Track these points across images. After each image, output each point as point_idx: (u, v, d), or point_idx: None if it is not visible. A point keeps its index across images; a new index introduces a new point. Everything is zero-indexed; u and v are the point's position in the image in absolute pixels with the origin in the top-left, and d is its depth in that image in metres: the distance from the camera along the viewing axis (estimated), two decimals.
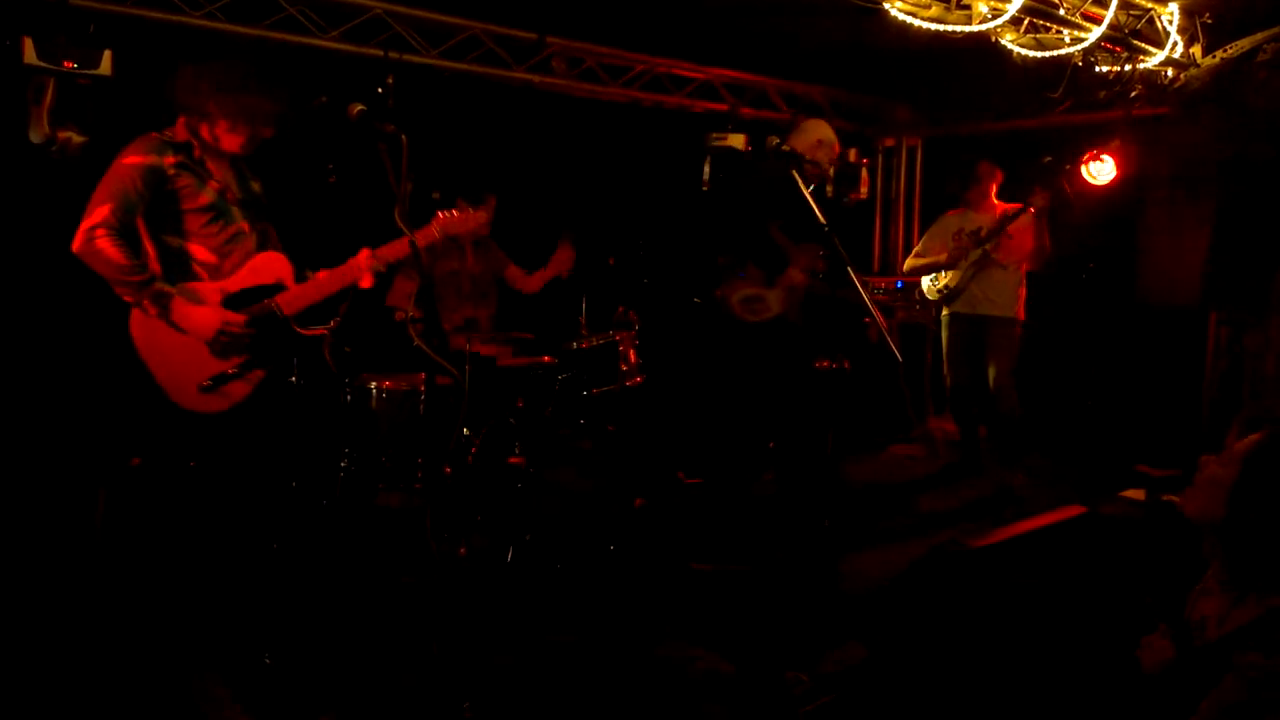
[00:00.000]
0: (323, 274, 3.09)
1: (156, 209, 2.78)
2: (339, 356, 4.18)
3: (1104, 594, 2.57)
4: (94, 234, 2.67)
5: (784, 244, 4.09)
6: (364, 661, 3.02)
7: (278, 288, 3.02)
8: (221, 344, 2.87)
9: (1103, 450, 5.19)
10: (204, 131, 2.88)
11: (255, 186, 3.11)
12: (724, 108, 5.92)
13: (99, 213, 2.68)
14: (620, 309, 4.65)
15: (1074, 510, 4.00)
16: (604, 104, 5.55)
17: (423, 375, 4.09)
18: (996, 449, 5.31)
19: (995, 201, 5.26)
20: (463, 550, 3.87)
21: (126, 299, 2.77)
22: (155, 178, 2.76)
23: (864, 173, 6.46)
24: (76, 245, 2.69)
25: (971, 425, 5.47)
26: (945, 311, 5.33)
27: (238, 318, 2.89)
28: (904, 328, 6.35)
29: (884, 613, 2.92)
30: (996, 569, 3.03)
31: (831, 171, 4.43)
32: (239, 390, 2.95)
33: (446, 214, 3.30)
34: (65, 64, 3.31)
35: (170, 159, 2.79)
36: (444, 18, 4.79)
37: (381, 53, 4.57)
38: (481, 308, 4.62)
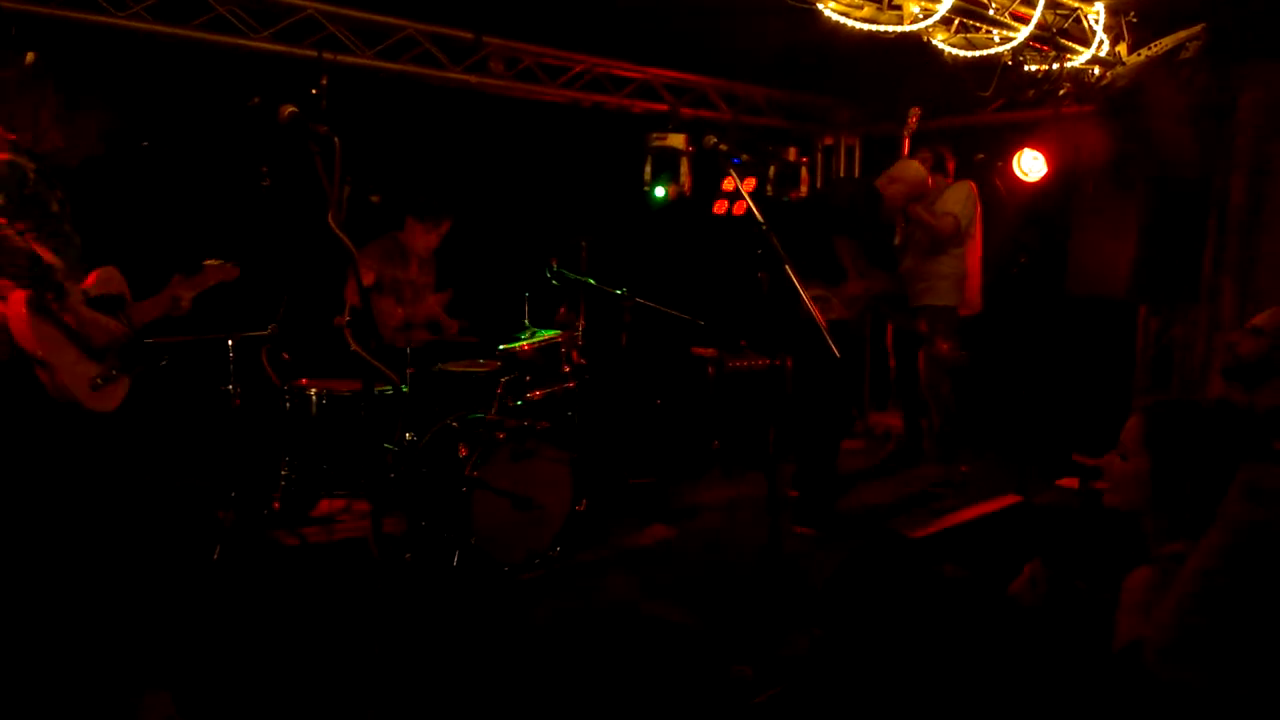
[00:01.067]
0: (146, 302, 3.14)
1: (19, 209, 2.69)
2: (277, 363, 4.12)
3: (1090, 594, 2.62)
4: None
5: (847, 259, 4.54)
6: (311, 673, 2.97)
7: (123, 300, 3.01)
8: (103, 347, 2.85)
9: (1040, 440, 5.32)
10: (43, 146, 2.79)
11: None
12: (664, 108, 5.94)
13: None
14: (562, 309, 4.65)
15: (1010, 499, 4.11)
16: (543, 104, 5.53)
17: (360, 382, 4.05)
18: (936, 441, 5.42)
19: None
20: (408, 556, 3.84)
21: (20, 288, 2.63)
22: (18, 180, 2.68)
23: (803, 171, 6.55)
24: None
25: (914, 417, 5.58)
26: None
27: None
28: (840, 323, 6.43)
29: (825, 602, 2.96)
30: (934, 557, 3.09)
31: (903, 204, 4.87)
32: (118, 393, 2.94)
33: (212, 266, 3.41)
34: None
35: (27, 165, 2.71)
36: (379, 17, 4.72)
37: (315, 53, 4.50)
38: (417, 314, 4.58)
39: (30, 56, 2.76)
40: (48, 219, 2.73)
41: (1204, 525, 1.83)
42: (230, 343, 3.91)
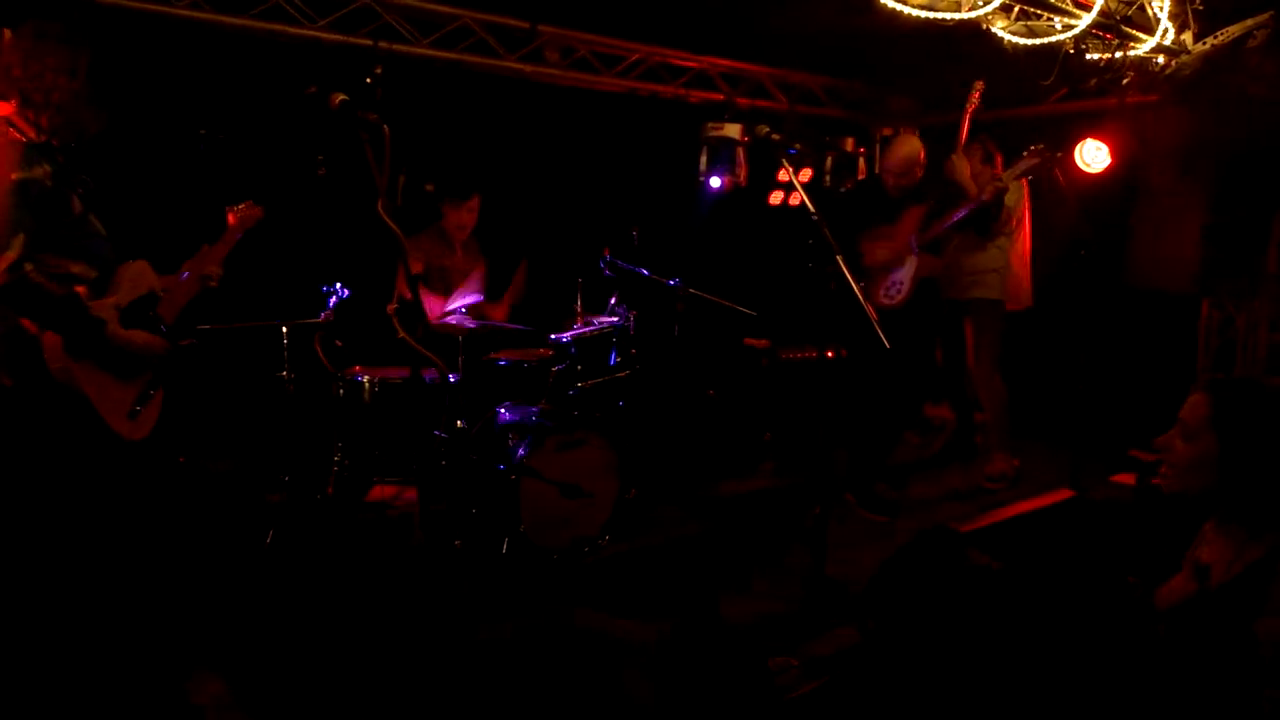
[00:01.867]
0: (175, 280, 2.92)
1: (40, 228, 2.43)
2: (330, 351, 4.19)
3: (1090, 576, 2.58)
4: (22, 268, 2.36)
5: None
6: (360, 658, 3.02)
7: (155, 298, 2.81)
8: (138, 367, 2.69)
9: (1096, 435, 5.20)
10: (47, 122, 2.48)
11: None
12: (720, 97, 5.90)
13: (17, 242, 2.35)
14: (615, 299, 4.65)
15: (1063, 494, 4.01)
16: (598, 94, 5.52)
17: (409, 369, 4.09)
18: (989, 434, 5.31)
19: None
20: (458, 543, 3.89)
21: (55, 333, 2.46)
22: (38, 195, 2.41)
23: (861, 161, 6.45)
24: (1, 282, 2.36)
25: (966, 410, 5.47)
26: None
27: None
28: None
29: (873, 596, 2.92)
30: (985, 552, 3.03)
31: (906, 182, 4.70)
32: (153, 415, 2.79)
33: (237, 211, 3.16)
34: (7, 34, 3.03)
35: (43, 170, 2.43)
36: (434, 6, 4.76)
37: (371, 42, 4.55)
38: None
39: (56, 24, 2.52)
40: (71, 226, 2.52)
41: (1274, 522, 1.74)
42: (285, 330, 3.99)
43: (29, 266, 2.36)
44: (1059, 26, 4.52)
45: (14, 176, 2.36)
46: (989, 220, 4.79)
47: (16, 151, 2.39)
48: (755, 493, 4.88)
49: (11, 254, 2.34)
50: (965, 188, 4.70)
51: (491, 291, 4.63)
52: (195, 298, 3.03)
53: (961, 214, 4.65)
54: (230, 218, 3.12)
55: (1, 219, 2.34)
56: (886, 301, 4.67)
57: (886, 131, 7.13)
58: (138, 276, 2.75)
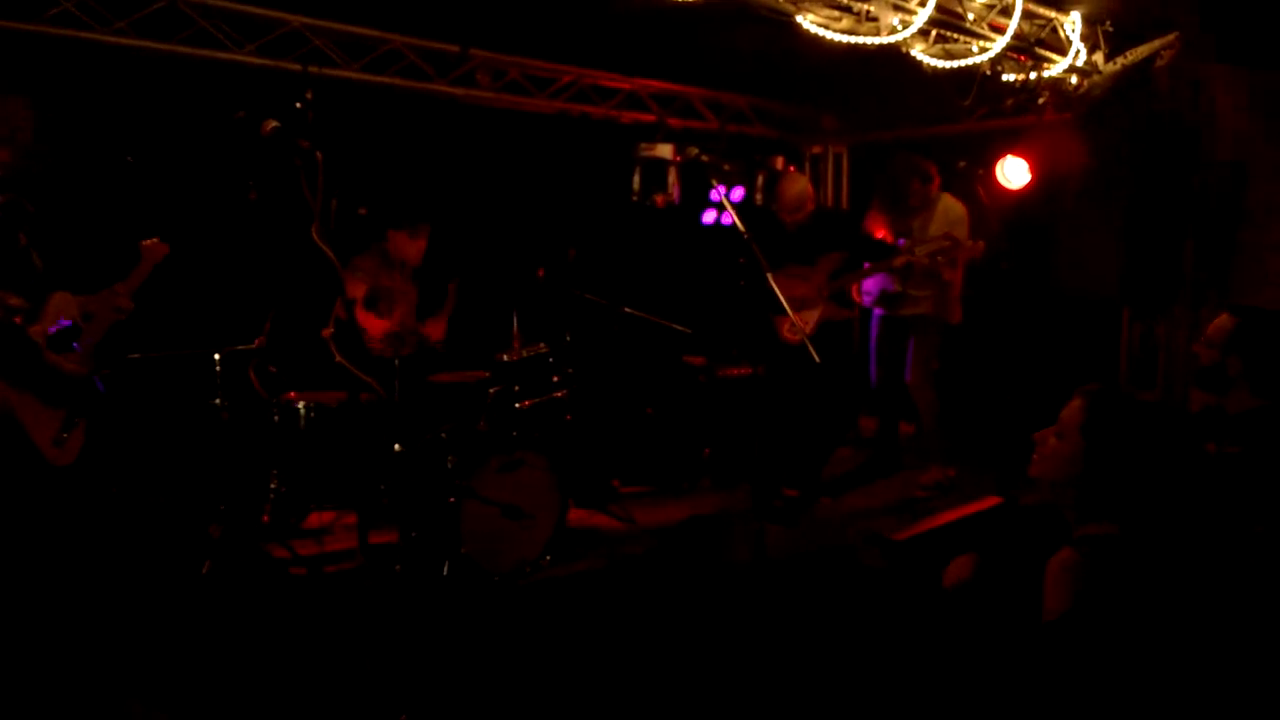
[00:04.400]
0: (92, 306, 2.95)
1: None
2: (264, 377, 4.14)
3: (1018, 578, 2.68)
4: None
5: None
6: (300, 684, 2.98)
7: (78, 329, 2.87)
8: (62, 393, 2.71)
9: (1024, 442, 5.38)
10: (9, 154, 2.66)
11: None
12: (652, 118, 5.99)
13: None
14: (550, 319, 4.68)
15: (992, 501, 4.15)
16: (531, 115, 5.56)
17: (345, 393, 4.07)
18: (924, 444, 5.46)
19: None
20: (398, 566, 3.85)
21: None
22: None
23: None
24: None
25: (893, 421, 5.61)
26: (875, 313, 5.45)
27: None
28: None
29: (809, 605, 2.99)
30: (918, 558, 3.13)
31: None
32: (77, 443, 2.82)
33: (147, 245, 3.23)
34: None
35: None
36: (364, 31, 4.76)
37: (300, 67, 4.52)
38: (409, 322, 4.59)
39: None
40: (13, 260, 2.60)
41: (1124, 511, 1.95)
42: (217, 357, 3.92)
43: None
44: (975, 50, 4.71)
45: None
46: (904, 279, 5.12)
47: None
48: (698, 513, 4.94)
49: None
50: (881, 246, 5.13)
51: (426, 309, 4.63)
52: (119, 326, 3.05)
53: (872, 273, 5.07)
54: (142, 252, 3.11)
55: None
56: (790, 336, 4.82)
57: (816, 150, 7.32)
58: (62, 306, 2.78)
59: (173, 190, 4.36)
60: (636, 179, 5.72)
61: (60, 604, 2.79)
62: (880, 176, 5.61)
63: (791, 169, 6.36)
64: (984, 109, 5.76)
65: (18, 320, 2.57)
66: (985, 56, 4.71)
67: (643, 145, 5.77)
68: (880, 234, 5.23)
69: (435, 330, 4.62)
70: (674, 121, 6.08)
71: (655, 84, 5.98)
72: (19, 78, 2.67)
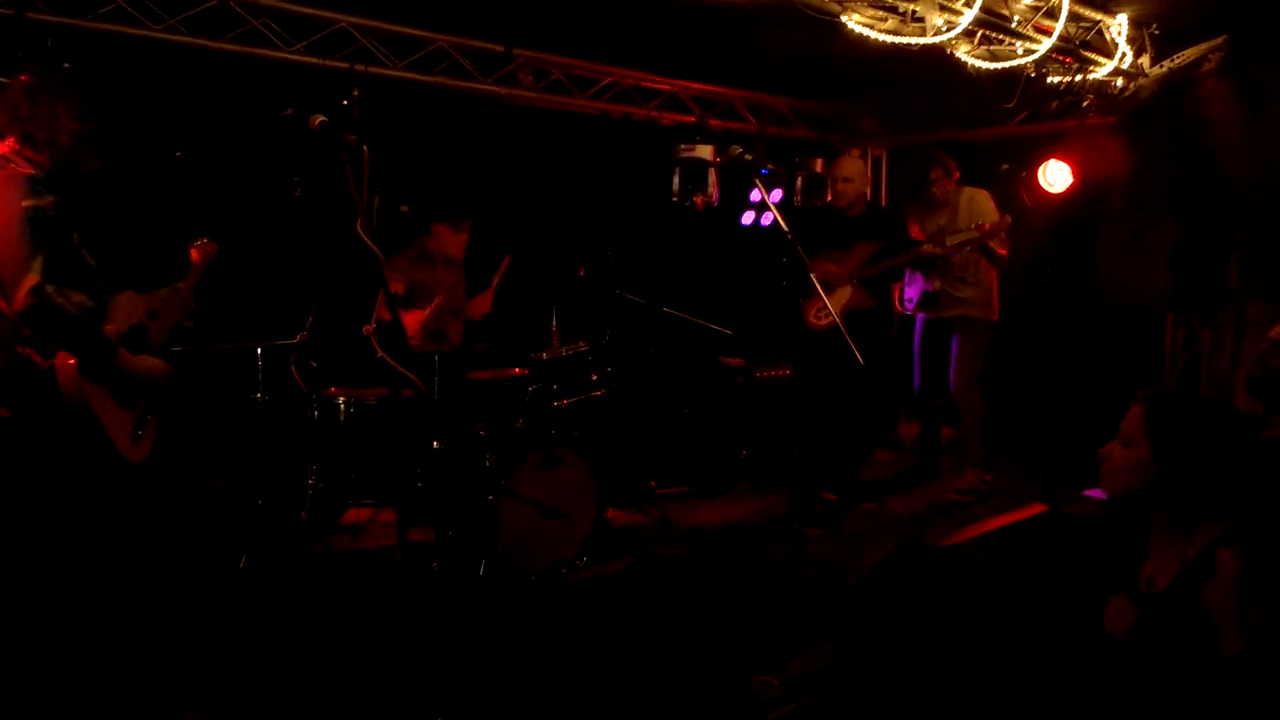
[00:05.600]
0: (156, 305, 2.97)
1: (50, 255, 2.48)
2: (305, 371, 4.18)
3: (1065, 589, 2.64)
4: (44, 290, 2.42)
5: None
6: (337, 681, 3.00)
7: (144, 327, 2.88)
8: (135, 390, 2.72)
9: (1066, 450, 5.29)
10: (47, 160, 2.59)
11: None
12: (692, 119, 5.98)
13: (36, 265, 2.41)
14: (590, 318, 4.69)
15: (1036, 509, 4.08)
16: (572, 115, 5.57)
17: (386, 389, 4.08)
18: (961, 449, 5.40)
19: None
20: (435, 564, 3.87)
21: (73, 355, 2.51)
22: (45, 223, 2.48)
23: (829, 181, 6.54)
24: (23, 304, 2.41)
25: (933, 425, 5.55)
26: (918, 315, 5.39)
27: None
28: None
29: (851, 612, 2.95)
30: (961, 566, 3.08)
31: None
32: (149, 439, 2.83)
33: (199, 246, 3.25)
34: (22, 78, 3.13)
35: (49, 200, 2.51)
36: (411, 30, 4.79)
37: (348, 65, 4.57)
38: (450, 320, 4.62)
39: (65, 67, 2.66)
40: (70, 256, 2.58)
41: (1231, 504, 1.91)
42: (259, 351, 3.97)
43: (49, 288, 2.42)
44: (1020, 51, 4.65)
45: (24, 204, 2.45)
46: (932, 269, 5.11)
47: (22, 183, 2.47)
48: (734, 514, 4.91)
49: (32, 277, 2.40)
50: (913, 238, 5.10)
51: (472, 289, 4.68)
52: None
53: (904, 262, 5.03)
54: (193, 253, 3.20)
55: (17, 245, 2.42)
56: (816, 322, 4.80)
57: (855, 152, 7.27)
58: (129, 306, 2.80)
59: (220, 186, 4.42)
60: (676, 180, 5.70)
61: (123, 599, 2.81)
62: (902, 175, 5.59)
63: (851, 152, 6.29)
64: (1026, 112, 5.70)
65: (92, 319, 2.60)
66: (1030, 58, 4.65)
67: (682, 146, 5.76)
68: (915, 235, 5.21)
69: (481, 305, 4.66)
70: (714, 123, 6.08)
71: (696, 86, 5.98)
72: (67, 74, 2.67)
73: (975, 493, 5.08)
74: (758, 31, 4.77)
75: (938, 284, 5.17)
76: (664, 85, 5.83)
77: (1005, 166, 5.51)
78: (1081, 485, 4.32)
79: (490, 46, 5.05)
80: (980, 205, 5.21)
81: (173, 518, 3.92)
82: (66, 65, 2.67)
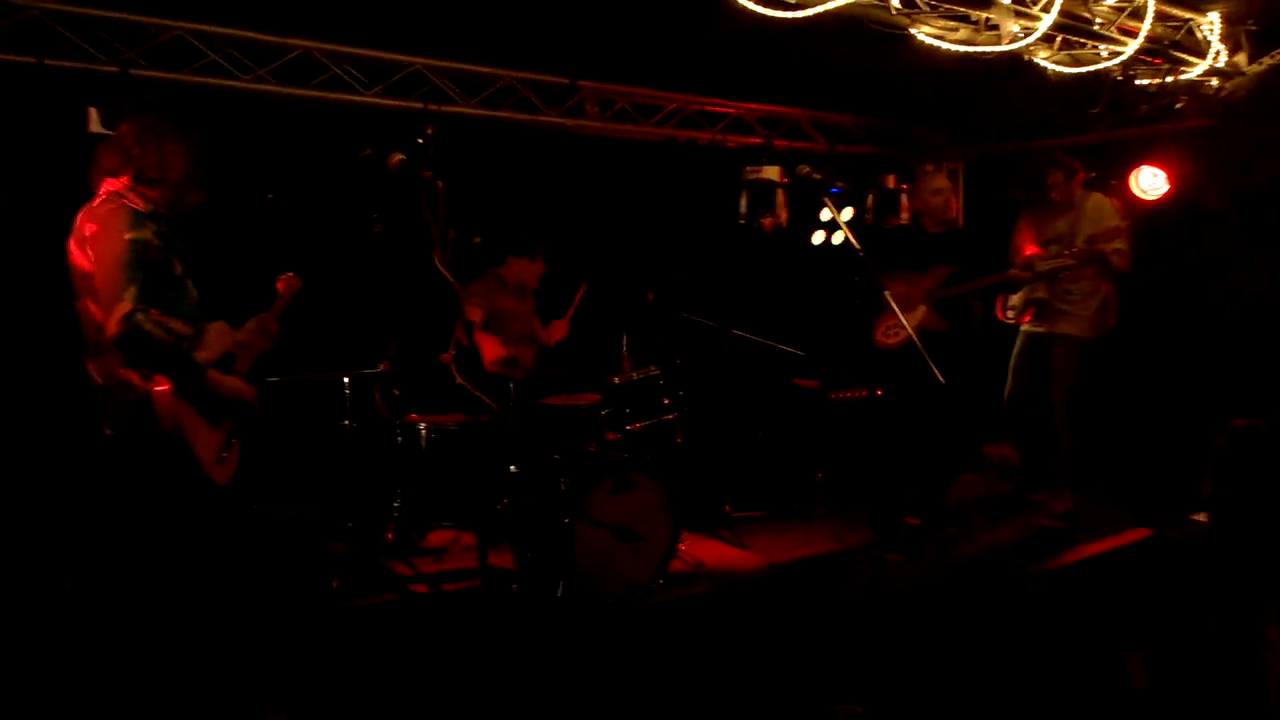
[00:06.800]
0: (244, 336, 3.08)
1: (148, 285, 2.63)
2: (388, 399, 4.31)
3: (1169, 617, 2.50)
4: (134, 318, 2.53)
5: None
6: (421, 697, 3.05)
7: (232, 355, 2.99)
8: (223, 413, 2.83)
9: (1165, 471, 5.01)
10: (159, 195, 2.76)
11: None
12: (758, 141, 5.97)
13: (130, 294, 2.54)
14: (660, 343, 4.70)
15: (1138, 533, 3.89)
16: (638, 143, 5.64)
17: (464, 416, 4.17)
18: (1058, 471, 5.15)
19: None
20: (514, 586, 3.91)
21: (167, 379, 2.64)
22: (146, 253, 2.63)
23: (903, 198, 6.43)
24: (115, 330, 2.53)
25: (1023, 444, 5.32)
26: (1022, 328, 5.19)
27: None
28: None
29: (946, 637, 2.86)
30: (1059, 592, 2.96)
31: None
32: (234, 461, 2.94)
33: (284, 279, 3.33)
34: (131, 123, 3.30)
35: (150, 231, 2.67)
36: (479, 68, 4.95)
37: (421, 105, 4.74)
38: (524, 347, 4.71)
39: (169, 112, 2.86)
40: (172, 286, 2.72)
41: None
42: (346, 380, 4.11)
43: (139, 316, 2.55)
44: (1104, 54, 4.49)
45: (127, 236, 2.60)
46: (1009, 292, 4.93)
47: (127, 215, 2.64)
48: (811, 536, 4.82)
49: (125, 305, 2.54)
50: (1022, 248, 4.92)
51: (547, 314, 4.80)
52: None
53: (985, 286, 4.79)
54: (279, 286, 3.33)
55: (116, 273, 2.57)
56: (884, 340, 4.64)
57: (929, 167, 7.12)
58: (221, 335, 2.94)
59: (306, 224, 4.62)
60: (743, 201, 5.70)
61: (208, 616, 2.92)
62: (1016, 178, 5.37)
63: (930, 167, 6.17)
64: (1109, 118, 5.49)
65: (184, 346, 2.73)
66: (1115, 61, 4.50)
67: (749, 168, 5.76)
68: (1029, 249, 4.89)
69: (557, 332, 4.73)
70: (780, 143, 6.05)
71: (761, 107, 5.98)
72: (172, 118, 2.88)
73: (1069, 517, 4.84)
74: (822, 50, 4.75)
75: (1044, 293, 4.91)
76: (728, 108, 5.85)
77: (1092, 175, 5.31)
78: (1181, 507, 4.09)
79: (556, 79, 5.17)
80: (1105, 211, 4.85)
81: (258, 537, 4.07)
82: (172, 111, 2.87)
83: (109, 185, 2.72)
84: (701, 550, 4.47)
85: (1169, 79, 4.95)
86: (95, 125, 3.86)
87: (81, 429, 2.83)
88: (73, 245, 2.66)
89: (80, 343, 2.73)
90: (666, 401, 4.51)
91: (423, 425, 4.26)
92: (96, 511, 3.15)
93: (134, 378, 2.65)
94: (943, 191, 4.86)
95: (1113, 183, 5.51)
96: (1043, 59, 4.55)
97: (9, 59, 3.87)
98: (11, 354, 4.02)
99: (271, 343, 3.22)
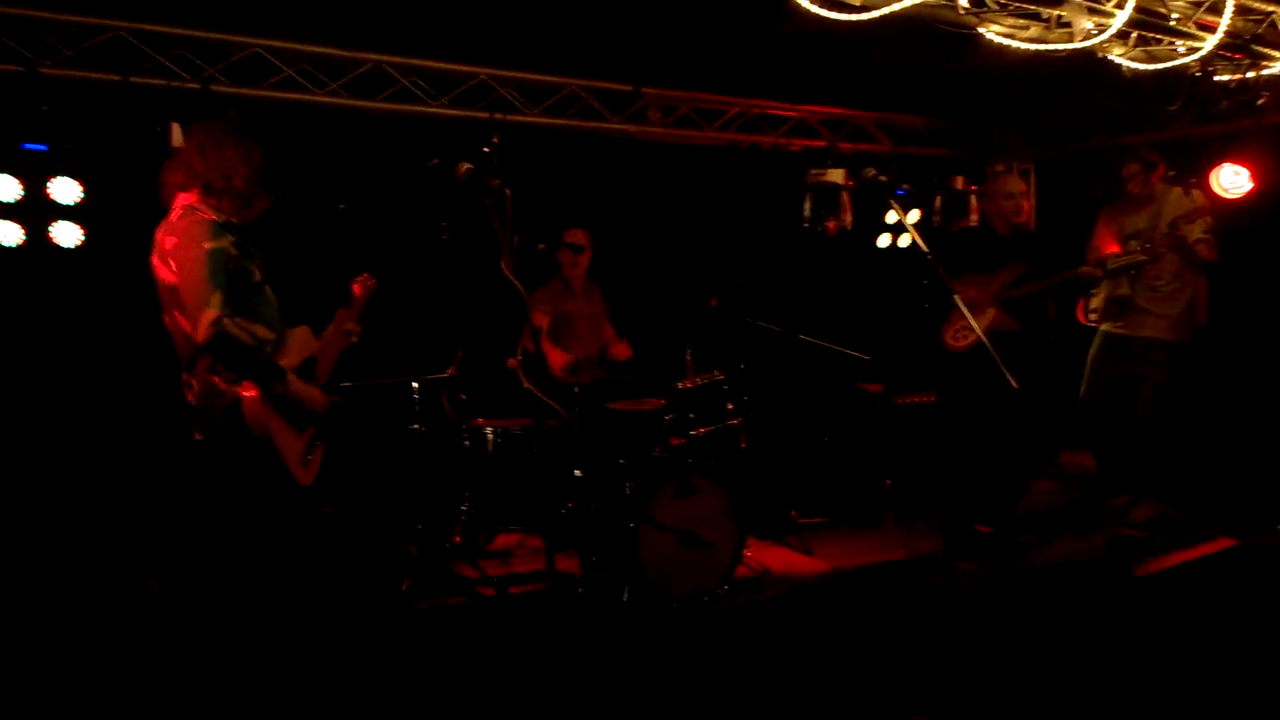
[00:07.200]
0: (322, 343, 3.10)
1: (230, 292, 2.68)
2: (456, 404, 4.38)
3: (1257, 629, 2.40)
4: (221, 323, 2.58)
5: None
6: (491, 700, 3.09)
7: (314, 361, 3.03)
8: (306, 419, 2.87)
9: (1254, 479, 4.81)
10: (228, 204, 2.81)
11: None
12: (822, 144, 5.93)
13: (215, 300, 2.60)
14: (724, 348, 4.68)
15: (1224, 543, 3.75)
16: (701, 148, 5.65)
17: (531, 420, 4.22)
18: (1136, 476, 4.98)
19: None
20: (580, 590, 3.94)
21: (253, 384, 2.71)
22: (226, 262, 2.68)
23: (972, 200, 6.30)
24: (203, 336, 2.58)
25: (1099, 449, 5.16)
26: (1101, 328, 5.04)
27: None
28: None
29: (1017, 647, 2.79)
30: (1142, 601, 2.86)
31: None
32: (317, 463, 2.99)
33: (360, 281, 3.32)
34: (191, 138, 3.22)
35: (228, 240, 2.71)
36: (543, 77, 5.02)
37: (487, 115, 4.83)
38: (592, 348, 4.75)
39: (230, 112, 2.91)
40: (252, 292, 2.78)
41: None
42: (415, 385, 4.19)
43: (226, 321, 2.61)
44: (1182, 50, 4.35)
45: (207, 246, 2.66)
46: (1078, 293, 4.81)
47: (205, 227, 2.70)
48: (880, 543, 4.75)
49: (212, 311, 2.60)
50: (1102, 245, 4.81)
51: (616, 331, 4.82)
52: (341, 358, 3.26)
53: (1054, 285, 4.56)
54: (355, 288, 3.37)
55: (200, 282, 2.63)
56: (954, 343, 4.51)
57: (999, 168, 6.96)
58: (303, 340, 2.99)
59: (376, 232, 4.73)
60: (807, 205, 5.65)
61: (293, 616, 2.99)
62: (1100, 177, 5.24)
63: (1000, 167, 6.04)
64: (1188, 115, 5.30)
65: (268, 350, 2.79)
66: (1194, 57, 4.34)
67: (813, 171, 5.71)
68: (1110, 248, 4.78)
69: (623, 350, 4.77)
70: (844, 146, 6.00)
71: (824, 110, 5.94)
72: (228, 124, 2.91)
73: (1151, 526, 4.68)
74: (886, 51, 4.69)
75: (1126, 290, 4.77)
76: (790, 112, 5.82)
77: (1171, 172, 5.14)
78: (1270, 516, 3.93)
79: (619, 87, 5.21)
80: (1188, 200, 4.76)
81: (333, 539, 4.18)
82: (230, 113, 2.89)
83: (182, 200, 2.79)
84: (767, 556, 4.45)
85: (1250, 74, 4.77)
86: (178, 140, 4.01)
87: (171, 437, 2.92)
88: (155, 261, 2.73)
89: (172, 357, 2.81)
90: (731, 407, 4.49)
91: (489, 429, 4.32)
92: (184, 515, 3.24)
93: (223, 384, 2.72)
94: (1015, 195, 4.72)
95: (1193, 180, 5.33)
96: (1117, 55, 4.41)
97: (96, 77, 4.06)
98: (105, 365, 4.20)
99: (350, 340, 3.25)
